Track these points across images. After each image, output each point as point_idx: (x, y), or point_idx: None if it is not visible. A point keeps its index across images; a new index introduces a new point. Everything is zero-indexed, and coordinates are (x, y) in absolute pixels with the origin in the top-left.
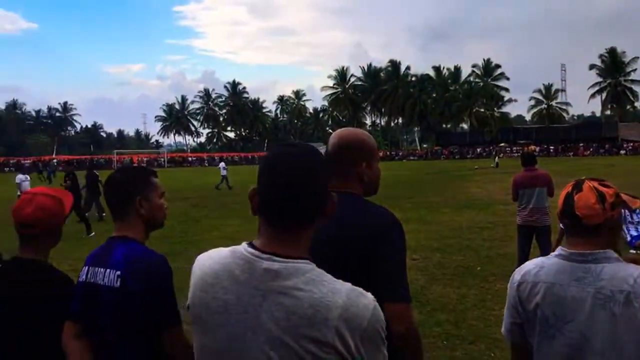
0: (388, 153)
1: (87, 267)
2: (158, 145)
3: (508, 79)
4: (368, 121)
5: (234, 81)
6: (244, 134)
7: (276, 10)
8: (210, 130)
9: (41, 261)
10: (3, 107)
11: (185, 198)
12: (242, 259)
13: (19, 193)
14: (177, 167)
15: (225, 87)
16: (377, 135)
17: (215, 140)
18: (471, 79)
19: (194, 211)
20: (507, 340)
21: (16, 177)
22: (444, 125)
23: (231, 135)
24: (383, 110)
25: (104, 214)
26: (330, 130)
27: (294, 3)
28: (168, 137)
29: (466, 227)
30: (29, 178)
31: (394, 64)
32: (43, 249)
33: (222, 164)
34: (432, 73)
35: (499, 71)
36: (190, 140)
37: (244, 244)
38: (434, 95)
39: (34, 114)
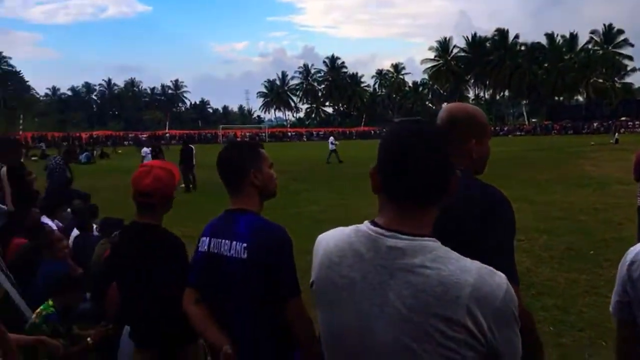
0: (493, 128)
1: (208, 238)
2: (260, 120)
3: (632, 45)
4: (471, 94)
5: (332, 56)
6: (341, 109)
7: None
8: (309, 106)
9: (157, 225)
10: (122, 85)
11: (285, 171)
12: (366, 237)
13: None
14: (277, 142)
15: (324, 62)
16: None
17: (313, 115)
18: (589, 46)
19: (294, 184)
20: (613, 317)
21: (142, 150)
22: (555, 98)
23: (329, 110)
24: (488, 82)
25: (191, 186)
26: (430, 105)
27: None
28: (269, 113)
29: (578, 208)
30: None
31: (502, 33)
32: (158, 216)
33: (331, 138)
34: (544, 41)
35: (621, 37)
36: (289, 116)
37: (366, 222)
38: (546, 65)
39: (149, 91)
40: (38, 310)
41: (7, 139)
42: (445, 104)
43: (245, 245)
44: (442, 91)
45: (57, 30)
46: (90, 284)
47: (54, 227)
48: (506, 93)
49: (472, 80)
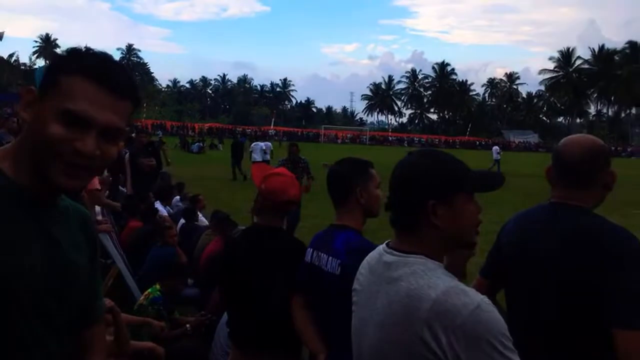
0: (614, 148)
1: (312, 250)
2: (362, 122)
3: None
4: (592, 110)
5: (442, 62)
6: (447, 116)
7: None
8: (413, 111)
9: (282, 229)
10: (235, 81)
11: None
12: (378, 253)
13: (258, 159)
14: (377, 145)
15: (433, 67)
16: (603, 127)
17: (417, 121)
18: None
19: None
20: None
21: (260, 144)
22: None
23: (434, 117)
24: (613, 98)
25: (238, 177)
26: (544, 118)
27: None
28: (372, 116)
29: None
30: (270, 146)
31: (634, 46)
32: (283, 219)
33: (495, 148)
34: None
35: None
36: (392, 120)
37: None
38: None
39: (259, 88)
40: (146, 292)
41: (140, 129)
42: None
43: (339, 262)
44: (559, 104)
45: (183, 26)
46: (193, 271)
47: (165, 214)
48: (633, 111)
49: (595, 95)
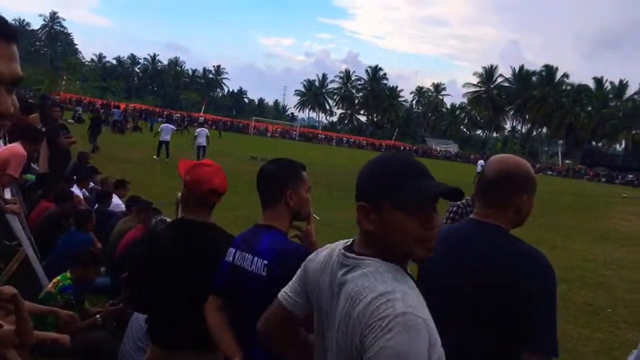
0: None
1: (235, 250)
2: (293, 117)
3: None
4: (507, 126)
5: (376, 66)
6: (375, 119)
7: None
8: (343, 111)
9: (213, 224)
10: (166, 62)
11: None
12: (339, 254)
13: (197, 145)
14: (306, 142)
15: (366, 70)
16: (515, 143)
17: (346, 121)
18: (637, 97)
19: (325, 192)
20: None
21: (205, 130)
22: (593, 143)
23: (363, 119)
24: (527, 116)
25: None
26: (465, 130)
27: None
28: (303, 112)
29: (602, 261)
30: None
31: (549, 70)
32: (211, 213)
33: (480, 162)
34: (591, 84)
35: None
36: (322, 118)
37: (344, 242)
38: (589, 109)
39: (190, 72)
40: (55, 280)
41: (55, 102)
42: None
43: (265, 262)
44: (479, 118)
45: None
46: (106, 259)
47: (81, 196)
48: (544, 130)
49: (512, 112)
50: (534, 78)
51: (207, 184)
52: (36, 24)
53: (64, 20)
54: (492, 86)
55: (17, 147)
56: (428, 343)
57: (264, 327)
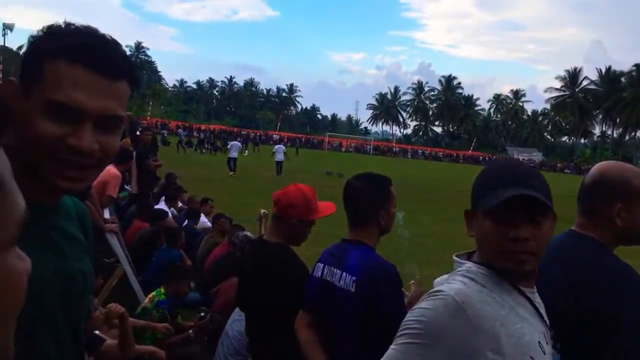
0: None
1: (322, 265)
2: (366, 132)
3: None
4: (596, 130)
5: (449, 76)
6: (451, 130)
7: (506, 3)
8: (417, 123)
9: (290, 249)
10: (242, 84)
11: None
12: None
13: (276, 161)
14: (381, 155)
15: (439, 81)
16: (606, 148)
17: (421, 133)
18: None
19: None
20: None
21: (282, 147)
22: None
23: (438, 130)
24: (618, 120)
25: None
26: (548, 136)
27: None
28: (376, 125)
29: None
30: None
31: None
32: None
33: None
34: None
35: None
36: (396, 131)
37: None
38: None
39: (265, 92)
40: (150, 295)
41: (146, 127)
42: (565, 137)
43: (354, 278)
44: (564, 123)
45: (193, 27)
46: (195, 274)
47: (170, 215)
48: (638, 134)
49: (600, 116)
50: (623, 79)
51: (297, 211)
52: None
53: (147, 49)
54: (577, 90)
55: (111, 169)
56: (460, 320)
57: None
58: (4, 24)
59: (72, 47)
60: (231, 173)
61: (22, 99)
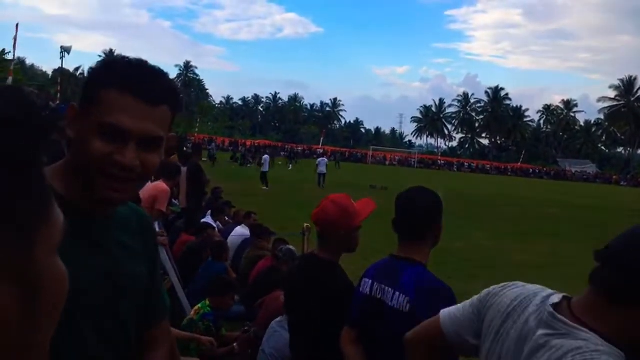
0: None
1: (371, 281)
2: (410, 145)
3: None
4: None
5: (496, 87)
6: (499, 142)
7: (556, 12)
8: (463, 136)
9: (337, 264)
10: (286, 99)
11: None
12: (543, 310)
13: (319, 173)
14: (426, 169)
15: (486, 92)
16: None
17: (467, 145)
18: None
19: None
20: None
21: (324, 160)
22: None
23: (485, 142)
24: None
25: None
26: (603, 148)
27: (579, 4)
28: (421, 139)
29: None
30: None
31: None
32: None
33: None
34: None
35: None
36: (442, 144)
37: None
38: None
39: (309, 107)
40: (196, 307)
41: (195, 144)
42: (621, 148)
43: (408, 299)
44: (619, 134)
45: (239, 45)
46: (240, 288)
47: (216, 229)
48: None
49: None
50: None
51: (351, 219)
52: (173, 73)
53: (196, 68)
54: (632, 99)
55: (160, 184)
56: None
57: (411, 339)
58: (62, 47)
59: (122, 78)
60: (264, 188)
61: (80, 120)
